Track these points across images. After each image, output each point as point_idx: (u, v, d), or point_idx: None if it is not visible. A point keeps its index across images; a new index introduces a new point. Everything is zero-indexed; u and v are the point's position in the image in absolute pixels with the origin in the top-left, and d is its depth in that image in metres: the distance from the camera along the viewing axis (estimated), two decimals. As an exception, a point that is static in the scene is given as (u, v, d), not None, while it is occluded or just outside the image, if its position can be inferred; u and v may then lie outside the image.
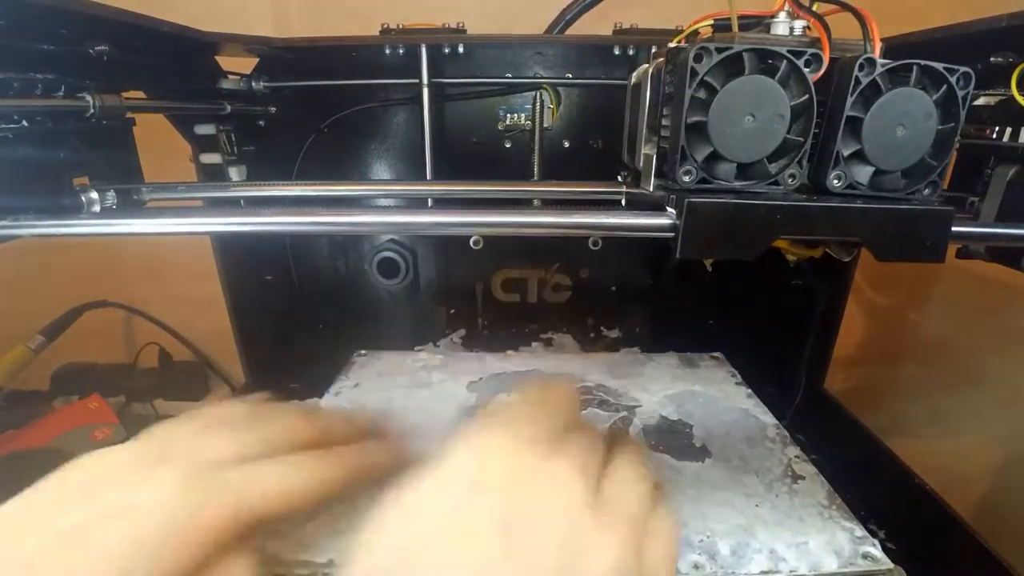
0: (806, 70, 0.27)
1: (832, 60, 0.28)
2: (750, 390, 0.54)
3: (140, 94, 0.44)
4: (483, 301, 0.70)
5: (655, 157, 0.34)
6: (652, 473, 0.27)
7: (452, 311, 0.70)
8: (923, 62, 0.27)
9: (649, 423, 0.49)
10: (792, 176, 0.29)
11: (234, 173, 0.58)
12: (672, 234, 0.29)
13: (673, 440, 0.46)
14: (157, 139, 0.48)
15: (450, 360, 0.63)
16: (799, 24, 0.29)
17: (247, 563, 0.24)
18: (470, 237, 0.65)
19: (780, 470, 0.44)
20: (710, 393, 0.54)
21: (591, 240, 0.66)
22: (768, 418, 0.50)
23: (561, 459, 0.24)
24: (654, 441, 0.46)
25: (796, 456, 0.45)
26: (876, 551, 0.37)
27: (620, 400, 0.52)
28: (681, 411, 0.51)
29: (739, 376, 0.57)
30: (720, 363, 0.60)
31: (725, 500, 0.40)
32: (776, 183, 0.29)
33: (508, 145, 0.64)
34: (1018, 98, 0.33)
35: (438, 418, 0.49)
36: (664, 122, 0.32)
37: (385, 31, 0.59)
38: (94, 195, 0.35)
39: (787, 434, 0.47)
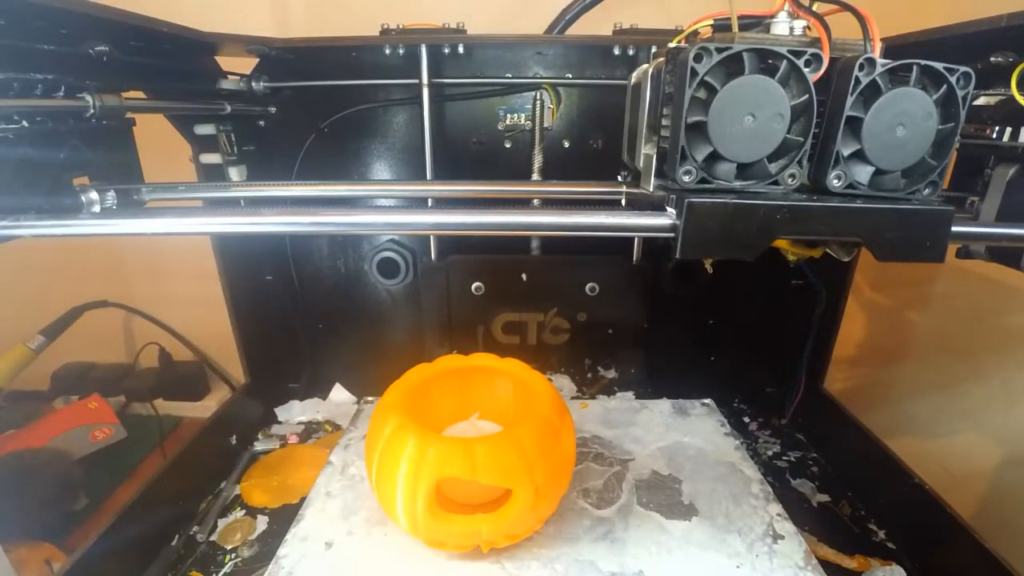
0: (806, 70, 0.27)
1: (832, 60, 0.28)
2: (739, 441, 0.56)
3: (140, 94, 0.44)
4: (484, 343, 0.71)
5: (655, 157, 0.34)
6: None
7: (454, 352, 0.72)
8: (923, 62, 0.27)
9: (641, 477, 0.50)
10: (792, 176, 0.29)
11: (234, 173, 0.58)
12: (672, 234, 0.29)
13: (663, 497, 0.48)
14: (157, 139, 0.48)
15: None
16: (799, 24, 0.29)
17: None
18: (472, 284, 0.67)
19: (762, 529, 0.45)
20: (700, 445, 0.56)
21: (588, 287, 0.68)
22: (753, 472, 0.52)
23: None
24: (645, 499, 0.48)
25: (778, 514, 0.47)
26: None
27: (614, 453, 0.53)
28: (672, 465, 0.52)
29: (728, 425, 0.58)
30: (711, 411, 0.61)
31: (710, 561, 0.42)
32: (776, 183, 0.29)
33: (508, 145, 0.64)
34: (1018, 98, 0.33)
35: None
36: (664, 122, 0.32)
37: (385, 31, 0.59)
38: (94, 195, 0.35)
39: (770, 491, 0.49)
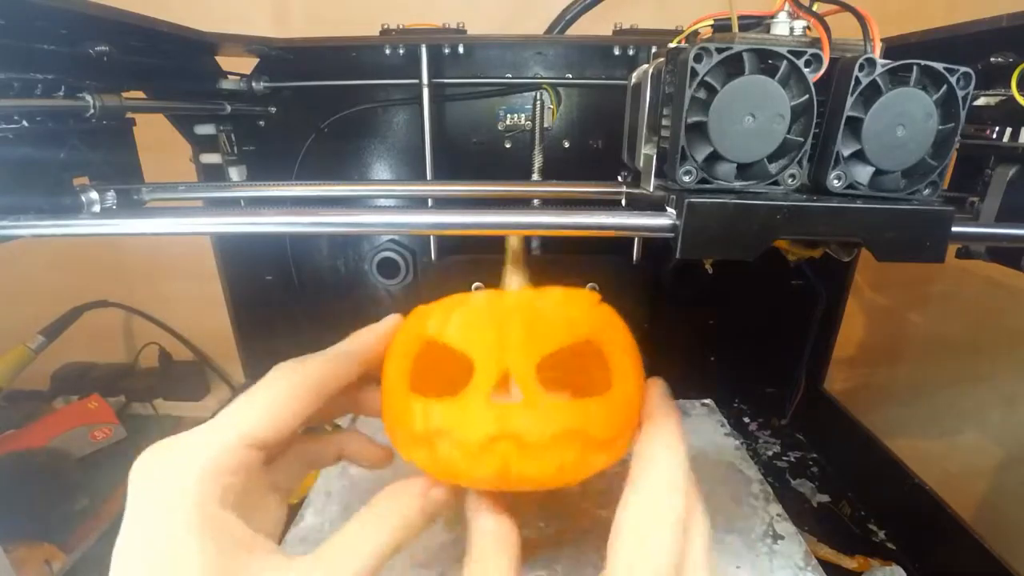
0: (806, 70, 0.27)
1: (832, 60, 0.28)
2: (739, 441, 0.56)
3: (140, 94, 0.44)
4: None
5: (655, 157, 0.34)
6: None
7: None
8: (923, 62, 0.27)
9: None
10: (792, 176, 0.29)
11: (234, 173, 0.58)
12: (672, 234, 0.29)
13: None
14: (157, 139, 0.48)
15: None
16: (799, 24, 0.29)
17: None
18: (472, 284, 0.66)
19: (762, 529, 0.45)
20: (700, 445, 0.55)
21: (588, 287, 0.68)
22: (753, 473, 0.52)
23: None
24: None
25: (778, 514, 0.46)
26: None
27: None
28: None
29: (728, 425, 0.58)
30: (711, 411, 0.61)
31: None
32: (776, 183, 0.29)
33: (508, 145, 0.64)
34: (1018, 98, 0.33)
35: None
36: (664, 122, 0.32)
37: (385, 31, 0.59)
38: (94, 195, 0.35)
39: (770, 491, 0.49)
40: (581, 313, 0.28)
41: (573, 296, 0.29)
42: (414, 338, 0.27)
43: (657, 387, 0.28)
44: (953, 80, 0.27)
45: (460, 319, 0.26)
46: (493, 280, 0.68)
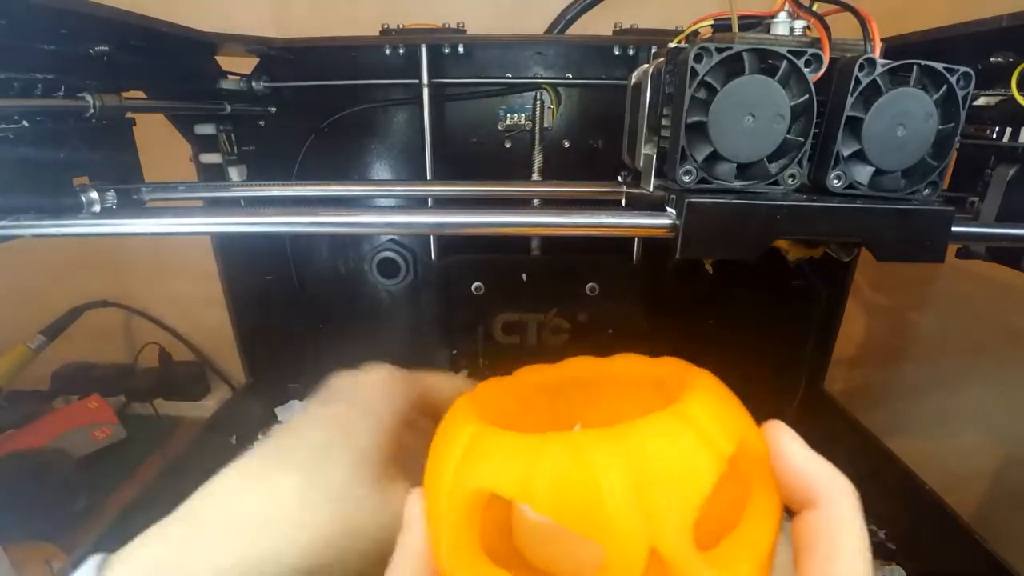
0: (806, 70, 0.27)
1: (832, 60, 0.28)
2: None
3: (140, 94, 0.44)
4: (484, 343, 0.71)
5: (655, 157, 0.34)
6: None
7: (455, 352, 0.72)
8: (923, 62, 0.27)
9: None
10: (792, 176, 0.29)
11: (234, 173, 0.58)
12: (672, 234, 0.29)
13: None
14: (157, 139, 0.48)
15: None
16: (799, 24, 0.29)
17: None
18: (472, 284, 0.67)
19: None
20: None
21: (588, 287, 0.68)
22: None
23: None
24: None
25: None
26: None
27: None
28: None
29: None
30: None
31: None
32: (776, 183, 0.29)
33: (508, 145, 0.64)
34: (1018, 98, 0.33)
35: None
36: (664, 122, 0.32)
37: (385, 31, 0.59)
38: (94, 195, 0.35)
39: None
40: (706, 412, 0.20)
41: (668, 379, 0.21)
42: (468, 497, 0.19)
43: (795, 444, 0.20)
44: (953, 80, 0.27)
45: (549, 472, 0.17)
46: (492, 281, 0.68)
